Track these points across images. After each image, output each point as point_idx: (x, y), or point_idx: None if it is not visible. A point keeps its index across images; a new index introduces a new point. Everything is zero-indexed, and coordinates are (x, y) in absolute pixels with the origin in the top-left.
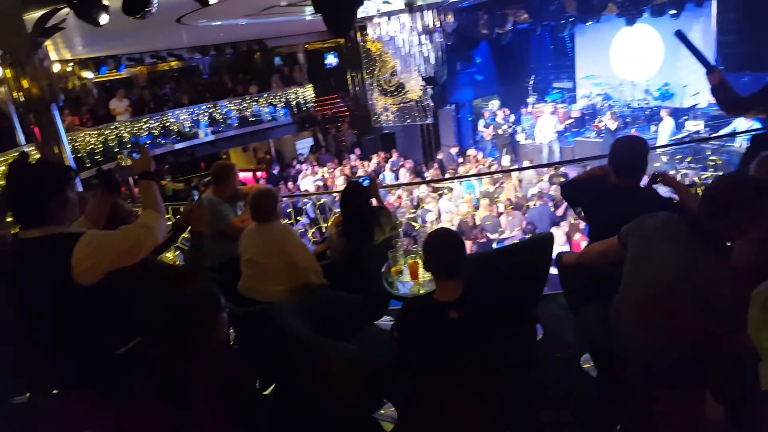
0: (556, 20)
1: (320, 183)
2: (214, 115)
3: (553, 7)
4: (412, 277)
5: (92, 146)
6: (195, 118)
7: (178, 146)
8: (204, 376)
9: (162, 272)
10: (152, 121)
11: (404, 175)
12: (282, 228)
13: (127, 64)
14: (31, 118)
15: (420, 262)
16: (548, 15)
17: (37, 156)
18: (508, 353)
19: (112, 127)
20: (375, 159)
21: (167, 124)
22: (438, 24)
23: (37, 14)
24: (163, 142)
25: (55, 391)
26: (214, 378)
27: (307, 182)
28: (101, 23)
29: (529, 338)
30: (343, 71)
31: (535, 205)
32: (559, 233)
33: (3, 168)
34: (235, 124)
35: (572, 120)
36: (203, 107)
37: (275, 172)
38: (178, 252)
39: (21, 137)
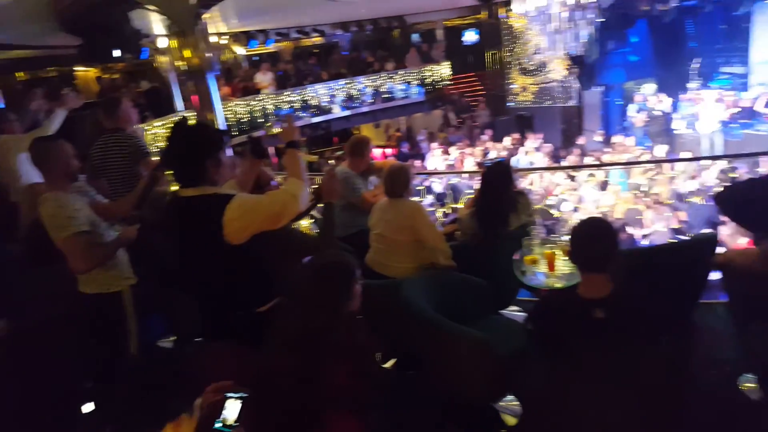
0: None
1: (450, 163)
2: (350, 90)
3: None
4: (549, 269)
5: (240, 116)
6: (332, 93)
7: (315, 120)
8: (336, 342)
9: (298, 239)
10: (294, 95)
11: (541, 160)
12: (413, 205)
13: (276, 39)
14: (189, 86)
15: (558, 252)
16: None
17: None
18: (659, 364)
19: (258, 99)
20: (508, 140)
21: (307, 98)
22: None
23: None
24: (302, 115)
25: (197, 339)
26: (346, 344)
27: (436, 161)
28: None
29: (686, 350)
30: (482, 49)
31: (692, 202)
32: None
33: (164, 131)
34: (369, 100)
35: (740, 109)
36: (341, 83)
37: (404, 149)
38: (312, 221)
39: (179, 104)
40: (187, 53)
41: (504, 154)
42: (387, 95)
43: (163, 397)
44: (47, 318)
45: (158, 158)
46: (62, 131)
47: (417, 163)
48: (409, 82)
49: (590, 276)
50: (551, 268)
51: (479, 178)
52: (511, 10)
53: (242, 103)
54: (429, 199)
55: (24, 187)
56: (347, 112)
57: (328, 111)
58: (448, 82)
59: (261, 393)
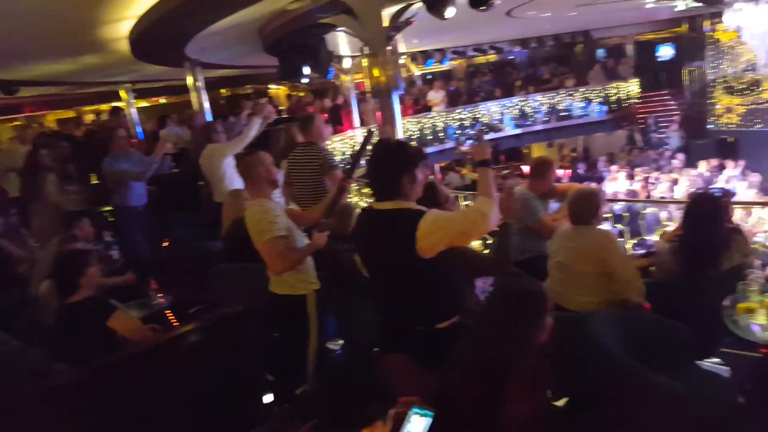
0: None
1: (633, 188)
2: (524, 108)
3: None
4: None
5: (410, 133)
6: (504, 110)
7: (471, 134)
8: (522, 373)
9: (472, 258)
10: (464, 113)
11: (745, 191)
12: (603, 234)
13: (451, 57)
14: (363, 104)
15: None
16: None
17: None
18: None
19: (428, 117)
20: (704, 166)
21: (478, 115)
22: None
23: (393, 9)
24: (471, 132)
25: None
26: (530, 377)
27: (616, 185)
28: (446, 17)
29: None
30: (678, 65)
31: None
32: None
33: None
34: (543, 118)
35: None
36: (514, 100)
37: (580, 171)
38: (485, 240)
39: (357, 120)
40: (375, 72)
41: (698, 181)
42: (564, 113)
43: (353, 401)
44: (237, 310)
45: (344, 171)
46: (258, 143)
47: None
48: (590, 100)
49: None
50: None
51: (681, 207)
52: (719, 22)
53: (413, 120)
54: (616, 227)
55: (228, 190)
56: (518, 131)
57: (499, 129)
58: (636, 101)
59: (440, 414)
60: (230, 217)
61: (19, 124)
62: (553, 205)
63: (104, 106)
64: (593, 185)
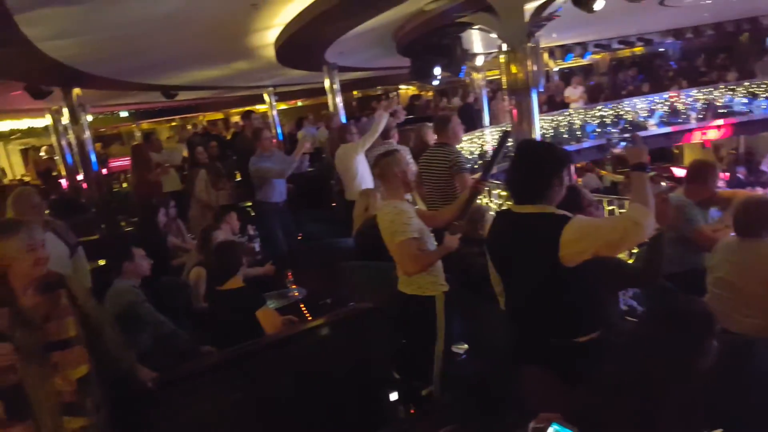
0: None
1: None
2: (676, 105)
3: None
4: None
5: (544, 131)
6: (652, 107)
7: (626, 136)
8: (678, 397)
9: (619, 268)
10: (606, 109)
11: None
12: None
13: (593, 51)
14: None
15: None
16: None
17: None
18: None
19: (565, 114)
20: None
21: (621, 112)
22: None
23: (535, 4)
24: (612, 131)
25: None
26: (686, 403)
27: None
28: (595, 9)
29: None
30: None
31: None
32: None
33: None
34: (698, 117)
35: None
36: (665, 95)
37: (740, 175)
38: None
39: (486, 118)
40: (513, 69)
41: None
42: (723, 110)
43: (489, 410)
44: (366, 307)
45: (481, 172)
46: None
47: (758, 190)
48: (755, 95)
49: None
50: None
51: None
52: None
53: (547, 118)
54: None
55: (360, 189)
56: (667, 129)
57: (644, 127)
58: None
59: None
60: (361, 215)
61: (176, 125)
62: (714, 213)
63: (249, 108)
64: (760, 192)
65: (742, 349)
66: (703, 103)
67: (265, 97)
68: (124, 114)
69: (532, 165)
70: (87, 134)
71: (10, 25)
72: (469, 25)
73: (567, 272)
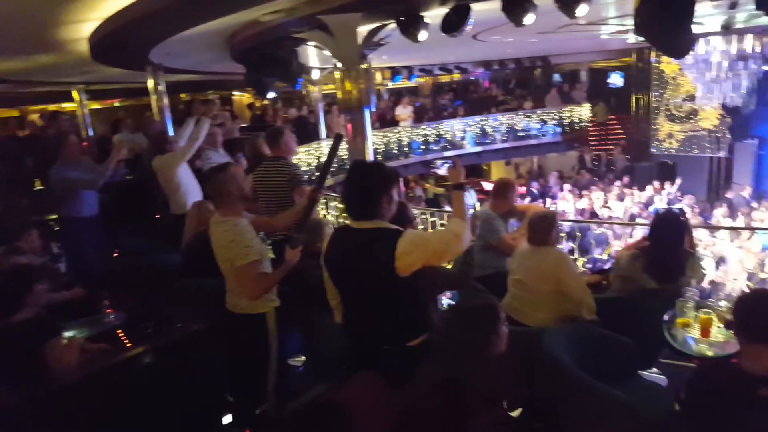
0: None
1: (582, 207)
2: (485, 127)
3: None
4: (702, 335)
5: (375, 146)
6: (466, 128)
7: (446, 154)
8: (481, 387)
9: (438, 274)
10: (429, 129)
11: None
12: (558, 255)
13: (418, 74)
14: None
15: (714, 318)
16: None
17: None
18: None
19: (395, 131)
20: (650, 189)
21: (441, 132)
22: (758, 49)
23: (368, 28)
24: (434, 148)
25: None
26: (490, 390)
27: (567, 204)
28: (420, 40)
29: None
30: (627, 92)
31: None
32: None
33: (306, 156)
34: (502, 138)
35: None
36: (477, 119)
37: (534, 189)
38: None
39: (323, 132)
40: (348, 86)
41: (641, 201)
42: (522, 133)
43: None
44: (194, 329)
45: (315, 181)
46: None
47: (548, 203)
48: (545, 122)
49: (755, 347)
50: (705, 334)
51: (632, 225)
52: (663, 55)
53: (380, 134)
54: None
55: (184, 202)
56: (479, 148)
57: (460, 146)
58: (588, 124)
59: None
60: (192, 230)
61: None
62: (514, 224)
63: (52, 107)
64: (549, 206)
65: (533, 339)
66: (507, 127)
67: (74, 94)
68: None
69: (364, 185)
70: None
71: None
72: (304, 41)
73: (401, 282)
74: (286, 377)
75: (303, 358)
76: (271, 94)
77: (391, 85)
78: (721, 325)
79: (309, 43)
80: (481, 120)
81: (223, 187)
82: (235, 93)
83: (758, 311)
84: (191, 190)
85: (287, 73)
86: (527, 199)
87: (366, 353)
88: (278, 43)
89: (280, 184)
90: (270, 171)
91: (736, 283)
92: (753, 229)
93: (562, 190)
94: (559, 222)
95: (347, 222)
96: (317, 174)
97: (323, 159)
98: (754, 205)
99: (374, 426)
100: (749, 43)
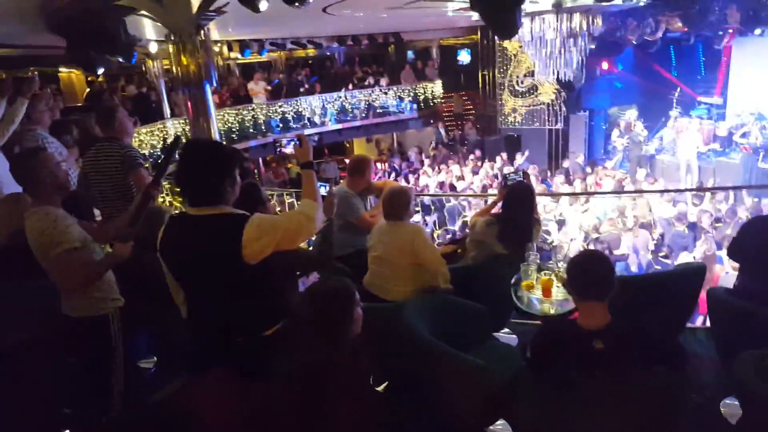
0: (713, 31)
1: (441, 180)
2: (343, 104)
3: (713, 17)
4: (544, 295)
5: (230, 125)
6: (325, 105)
7: (307, 131)
8: (340, 374)
9: (297, 256)
10: (286, 106)
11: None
12: (413, 228)
13: (269, 49)
14: (180, 94)
15: (554, 279)
16: (706, 25)
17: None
18: (658, 394)
19: (249, 108)
20: (499, 161)
21: (300, 109)
22: (585, 27)
23: None
24: (294, 126)
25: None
26: (349, 376)
27: (427, 178)
28: (261, 9)
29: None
30: (475, 69)
31: (673, 228)
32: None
33: (149, 138)
34: (362, 115)
35: (718, 139)
36: (334, 95)
37: (395, 165)
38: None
39: (167, 111)
40: (184, 60)
41: (493, 173)
42: (380, 110)
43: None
44: (25, 339)
45: (152, 174)
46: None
47: (410, 179)
48: (402, 98)
49: (589, 304)
50: (546, 294)
51: (484, 197)
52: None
53: (233, 111)
54: (425, 218)
55: (6, 196)
56: (339, 126)
57: (321, 124)
58: (441, 100)
59: (264, 427)
60: (8, 226)
61: None
62: (373, 200)
63: None
64: (404, 182)
65: (394, 313)
66: (366, 104)
67: None
68: None
69: (202, 166)
70: None
71: None
72: (132, 10)
73: (251, 270)
74: (135, 381)
75: (155, 359)
76: (101, 70)
77: (241, 59)
78: (561, 285)
79: (137, 13)
80: (339, 96)
81: (32, 173)
82: (62, 69)
83: (586, 270)
84: (6, 181)
85: (115, 47)
86: (392, 175)
87: (217, 348)
88: (102, 12)
89: (114, 167)
90: (102, 154)
91: (573, 244)
92: (589, 194)
93: (422, 165)
94: (415, 196)
95: (183, 209)
96: (153, 172)
97: (169, 140)
98: (588, 170)
99: (224, 425)
100: (578, 21)
